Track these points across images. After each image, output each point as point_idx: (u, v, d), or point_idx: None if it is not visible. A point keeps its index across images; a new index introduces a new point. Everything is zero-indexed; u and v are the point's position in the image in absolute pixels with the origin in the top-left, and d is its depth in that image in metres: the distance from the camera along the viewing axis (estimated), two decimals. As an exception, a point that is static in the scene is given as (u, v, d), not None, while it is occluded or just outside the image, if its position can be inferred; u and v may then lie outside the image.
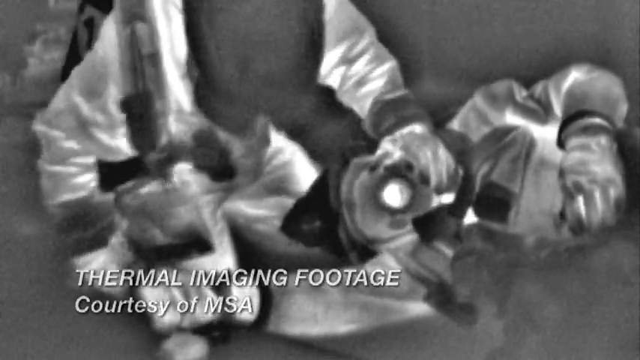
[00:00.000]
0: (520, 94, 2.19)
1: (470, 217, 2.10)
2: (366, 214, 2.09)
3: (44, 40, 3.30)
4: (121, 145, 2.12)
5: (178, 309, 1.98)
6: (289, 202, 2.26)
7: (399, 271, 2.13)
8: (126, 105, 2.06)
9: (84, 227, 2.21)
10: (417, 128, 2.12)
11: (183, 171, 2.21)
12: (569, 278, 2.00)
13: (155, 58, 2.04)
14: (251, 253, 2.23)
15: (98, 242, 2.22)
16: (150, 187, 2.25)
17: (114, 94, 2.07)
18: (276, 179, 2.37)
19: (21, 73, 3.28)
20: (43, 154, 2.23)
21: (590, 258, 2.02)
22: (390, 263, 2.14)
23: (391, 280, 2.11)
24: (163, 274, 2.00)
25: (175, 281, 2.00)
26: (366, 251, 2.12)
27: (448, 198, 2.09)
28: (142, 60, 2.03)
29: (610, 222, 1.92)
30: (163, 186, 2.22)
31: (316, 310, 2.06)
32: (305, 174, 2.39)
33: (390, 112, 2.14)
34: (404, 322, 2.08)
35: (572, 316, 1.96)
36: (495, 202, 2.10)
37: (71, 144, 2.16)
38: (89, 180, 2.20)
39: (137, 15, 2.03)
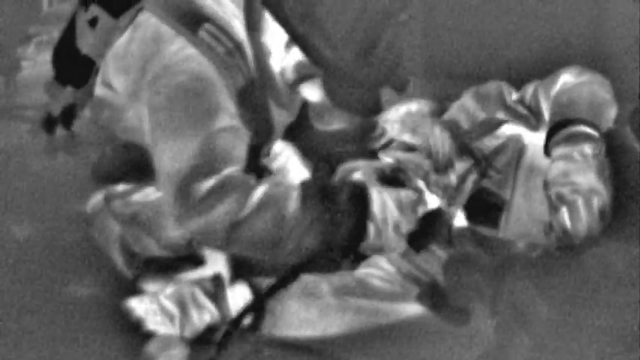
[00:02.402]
0: (510, 96, 2.20)
1: (461, 221, 2.11)
2: None
3: (38, 43, 3.30)
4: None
5: (176, 322, 1.98)
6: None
7: (392, 271, 2.13)
8: (243, 100, 1.96)
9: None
10: (413, 106, 2.10)
11: None
12: (561, 278, 2.01)
13: (242, 46, 1.97)
14: (241, 257, 2.22)
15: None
16: (142, 195, 2.18)
17: (224, 95, 1.94)
18: None
19: (14, 76, 3.28)
20: (229, 207, 1.86)
21: (581, 258, 2.03)
22: (382, 264, 2.14)
23: (384, 281, 2.12)
24: (154, 286, 1.99)
25: (168, 292, 1.99)
26: (358, 255, 2.13)
27: (434, 203, 2.10)
28: (231, 53, 1.94)
29: (596, 231, 1.94)
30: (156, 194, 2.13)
31: (310, 315, 2.06)
32: (299, 179, 2.37)
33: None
34: (397, 324, 2.09)
35: (563, 316, 1.97)
36: (486, 208, 2.11)
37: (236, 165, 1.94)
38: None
39: (201, 18, 1.96)
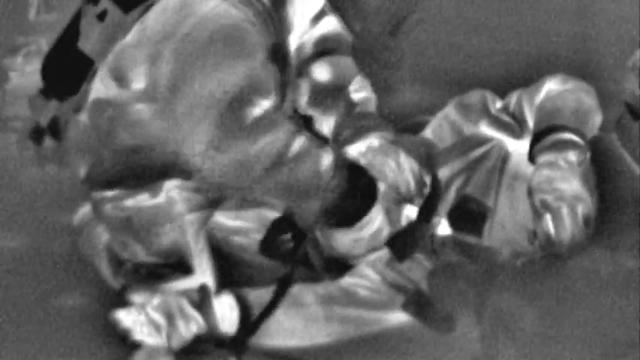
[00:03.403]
0: (494, 105, 2.20)
1: (445, 230, 2.11)
2: (337, 232, 2.10)
3: (25, 54, 3.30)
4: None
5: (164, 332, 1.98)
6: (268, 215, 2.25)
7: (377, 280, 2.14)
8: (273, 57, 1.97)
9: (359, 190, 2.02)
10: (375, 141, 2.11)
11: (169, 187, 2.18)
12: (546, 286, 2.02)
13: (278, 4, 1.99)
14: (228, 266, 2.23)
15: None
16: (135, 201, 2.15)
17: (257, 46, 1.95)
18: None
19: (2, 87, 3.28)
20: (270, 143, 1.89)
21: (566, 265, 2.03)
22: (368, 273, 2.14)
23: (369, 290, 2.12)
24: (140, 297, 1.99)
25: (155, 303, 1.99)
26: (341, 266, 2.13)
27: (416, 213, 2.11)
28: (268, 11, 1.97)
29: (579, 239, 1.94)
30: (151, 198, 2.13)
31: (295, 324, 2.06)
32: None
33: (349, 124, 2.13)
34: (382, 333, 2.09)
35: (548, 324, 1.98)
36: (470, 215, 2.11)
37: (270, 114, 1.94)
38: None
39: None
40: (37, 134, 2.42)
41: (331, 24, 2.02)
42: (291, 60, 2.03)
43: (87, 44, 2.17)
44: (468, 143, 2.17)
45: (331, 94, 2.06)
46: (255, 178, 1.88)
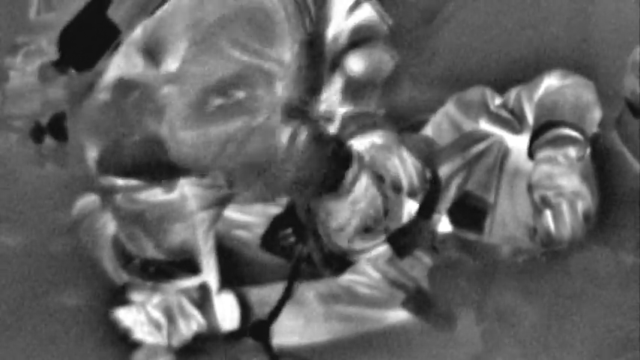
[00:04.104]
0: (493, 101, 2.20)
1: (445, 227, 2.11)
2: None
3: (26, 53, 3.29)
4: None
5: (164, 331, 1.98)
6: (274, 211, 2.25)
7: (377, 278, 2.14)
8: (304, 49, 1.96)
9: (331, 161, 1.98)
10: (377, 138, 2.10)
11: (182, 183, 2.09)
12: (546, 283, 2.01)
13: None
14: (228, 263, 2.22)
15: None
16: (149, 194, 2.09)
17: (281, 38, 1.93)
18: None
19: (2, 86, 3.27)
20: (226, 128, 1.89)
21: (566, 263, 2.03)
22: (368, 270, 2.15)
23: (370, 287, 2.12)
24: (140, 295, 1.99)
25: (155, 301, 1.99)
26: (342, 263, 2.13)
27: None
28: (305, 3, 1.95)
29: (579, 235, 1.93)
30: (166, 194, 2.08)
31: (296, 323, 2.06)
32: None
33: (351, 121, 2.13)
34: (383, 330, 2.09)
35: (549, 321, 1.98)
36: (470, 212, 2.11)
37: (264, 98, 1.93)
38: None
39: None
40: (37, 133, 2.42)
41: (367, 13, 2.01)
42: (327, 54, 2.02)
43: (117, 14, 2.13)
44: (467, 139, 2.17)
45: (366, 88, 2.05)
46: (215, 154, 1.88)
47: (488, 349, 1.99)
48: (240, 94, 1.88)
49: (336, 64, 2.04)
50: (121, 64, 2.08)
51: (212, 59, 1.92)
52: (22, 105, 2.97)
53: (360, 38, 1.98)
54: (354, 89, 2.07)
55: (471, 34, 3.30)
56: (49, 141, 2.48)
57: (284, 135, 1.90)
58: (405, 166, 2.05)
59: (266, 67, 1.91)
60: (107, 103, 2.08)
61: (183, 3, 2.03)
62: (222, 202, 2.20)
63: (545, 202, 1.94)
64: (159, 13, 2.05)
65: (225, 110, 1.87)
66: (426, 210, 2.07)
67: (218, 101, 1.87)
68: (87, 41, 2.17)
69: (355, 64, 2.00)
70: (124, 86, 2.06)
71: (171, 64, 1.99)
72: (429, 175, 2.09)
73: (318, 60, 2.02)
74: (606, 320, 1.95)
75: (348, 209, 1.99)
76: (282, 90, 1.97)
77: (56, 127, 2.47)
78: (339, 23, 1.99)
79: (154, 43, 2.05)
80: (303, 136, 1.92)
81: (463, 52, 3.26)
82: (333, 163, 1.94)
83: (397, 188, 2.05)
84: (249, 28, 1.93)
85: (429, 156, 2.11)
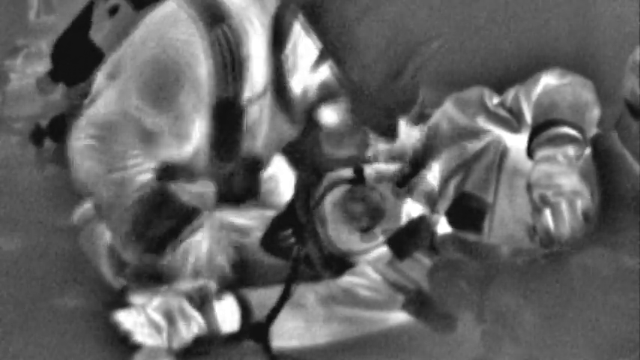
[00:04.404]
0: (491, 100, 2.20)
1: (444, 228, 2.10)
2: (338, 227, 2.10)
3: (26, 55, 3.30)
4: (188, 150, 2.05)
5: (164, 333, 1.97)
6: (271, 214, 2.25)
7: (377, 280, 2.14)
8: (218, 110, 2.00)
9: (167, 216, 2.04)
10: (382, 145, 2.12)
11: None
12: (546, 285, 2.01)
13: (244, 63, 1.99)
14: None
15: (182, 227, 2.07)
16: None
17: (188, 103, 1.98)
18: (262, 194, 2.33)
19: (2, 88, 3.28)
20: (90, 167, 2.04)
21: (567, 264, 2.02)
22: (368, 272, 2.14)
23: (370, 289, 2.12)
24: (140, 299, 1.99)
25: (155, 304, 1.99)
26: (342, 264, 2.13)
27: (416, 211, 2.10)
28: (228, 65, 1.98)
29: (579, 234, 1.92)
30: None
31: (296, 325, 2.05)
32: (289, 187, 2.35)
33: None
34: (383, 332, 2.09)
35: (549, 323, 1.97)
36: (469, 212, 2.11)
37: (135, 152, 2.02)
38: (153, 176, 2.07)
39: (220, 17, 1.98)
40: (37, 135, 2.42)
41: (332, 70, 2.02)
42: (296, 101, 2.03)
43: (98, 35, 2.17)
44: (465, 132, 2.16)
45: (345, 133, 2.06)
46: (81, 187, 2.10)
47: (489, 350, 1.99)
48: (111, 141, 2.00)
49: (311, 115, 2.05)
50: (101, 80, 2.15)
51: (108, 96, 2.04)
52: (22, 107, 2.97)
53: (327, 94, 1.99)
54: (334, 135, 2.09)
55: (470, 34, 3.30)
56: (49, 143, 2.47)
57: (133, 190, 2.01)
58: (402, 131, 2.07)
59: (148, 123, 1.99)
60: None
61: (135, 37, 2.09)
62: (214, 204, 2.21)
63: (545, 201, 1.93)
64: (125, 42, 2.12)
65: (95, 149, 2.01)
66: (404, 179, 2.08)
67: (92, 141, 2.01)
68: (76, 58, 2.21)
69: (327, 117, 2.01)
70: None
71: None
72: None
73: (286, 109, 2.04)
74: (606, 321, 1.94)
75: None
76: (175, 149, 2.04)
77: (56, 130, 2.46)
78: (305, 77, 2.00)
79: (116, 67, 2.12)
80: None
81: (463, 52, 3.26)
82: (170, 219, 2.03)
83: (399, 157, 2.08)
84: (155, 79, 2.00)
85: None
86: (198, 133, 2.03)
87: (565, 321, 1.96)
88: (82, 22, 2.25)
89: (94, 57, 2.19)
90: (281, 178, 2.39)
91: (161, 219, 2.03)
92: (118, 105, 2.01)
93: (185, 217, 2.04)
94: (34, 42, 3.29)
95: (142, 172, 2.03)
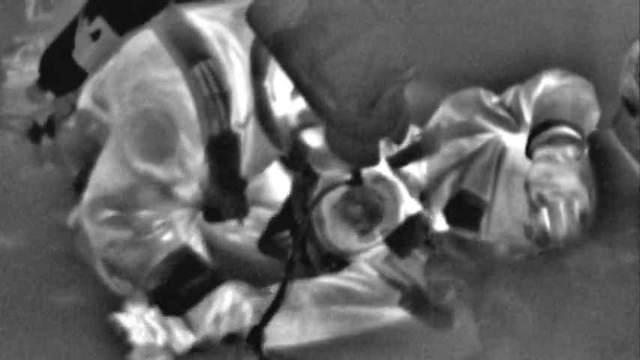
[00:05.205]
0: (489, 99, 2.20)
1: (441, 225, 2.10)
2: (336, 228, 2.10)
3: (23, 52, 3.30)
4: (194, 187, 2.07)
5: (162, 341, 1.98)
6: (263, 212, 2.25)
7: (374, 276, 2.14)
8: (212, 148, 2.01)
9: (192, 274, 2.05)
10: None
11: None
12: (544, 282, 2.01)
13: (228, 96, 1.99)
14: (222, 263, 2.22)
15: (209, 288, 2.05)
16: None
17: (187, 143, 1.99)
18: (252, 190, 2.33)
19: (0, 86, 3.28)
20: (115, 236, 2.04)
21: (564, 261, 2.03)
22: (365, 269, 2.14)
23: (366, 286, 2.12)
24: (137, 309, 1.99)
25: (152, 314, 1.98)
26: (340, 263, 2.13)
27: (414, 208, 2.10)
28: (214, 99, 1.97)
29: (575, 234, 1.93)
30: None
31: (292, 327, 2.05)
32: (279, 185, 2.37)
33: None
34: (379, 329, 2.09)
35: (547, 319, 1.98)
36: (467, 210, 2.11)
37: (153, 212, 2.03)
38: (177, 233, 2.09)
39: (200, 51, 1.98)
40: (34, 133, 2.42)
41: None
42: (279, 126, 2.04)
43: (81, 57, 2.18)
44: (463, 129, 2.17)
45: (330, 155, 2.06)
46: (96, 254, 2.12)
47: (486, 346, 1.99)
48: (135, 206, 2.01)
49: (295, 140, 2.06)
50: (85, 97, 2.17)
51: (108, 168, 2.05)
52: (19, 105, 2.97)
53: (307, 122, 2.00)
54: (316, 157, 2.09)
55: (469, 34, 3.30)
56: (46, 141, 2.47)
57: (160, 254, 2.03)
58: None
59: (160, 176, 2.00)
60: (75, 131, 2.21)
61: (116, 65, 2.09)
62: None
63: (542, 201, 1.94)
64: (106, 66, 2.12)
65: (119, 218, 2.02)
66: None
67: (114, 212, 2.02)
68: (62, 70, 2.22)
69: (312, 140, 2.02)
70: (84, 117, 2.17)
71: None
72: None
73: (270, 133, 2.06)
74: (604, 318, 1.95)
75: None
76: (187, 190, 2.05)
77: (54, 127, 2.46)
78: (286, 104, 2.00)
79: (100, 91, 2.13)
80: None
81: (462, 51, 3.27)
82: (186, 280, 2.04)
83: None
84: (152, 136, 2.00)
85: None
86: (198, 167, 2.04)
87: (562, 317, 1.96)
88: (66, 40, 2.26)
89: (78, 75, 2.20)
90: (270, 173, 2.39)
91: (185, 281, 2.04)
92: (124, 173, 2.00)
93: (209, 284, 2.05)
94: (32, 39, 3.29)
95: (166, 232, 2.05)
